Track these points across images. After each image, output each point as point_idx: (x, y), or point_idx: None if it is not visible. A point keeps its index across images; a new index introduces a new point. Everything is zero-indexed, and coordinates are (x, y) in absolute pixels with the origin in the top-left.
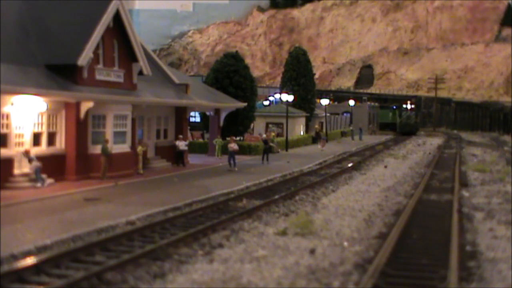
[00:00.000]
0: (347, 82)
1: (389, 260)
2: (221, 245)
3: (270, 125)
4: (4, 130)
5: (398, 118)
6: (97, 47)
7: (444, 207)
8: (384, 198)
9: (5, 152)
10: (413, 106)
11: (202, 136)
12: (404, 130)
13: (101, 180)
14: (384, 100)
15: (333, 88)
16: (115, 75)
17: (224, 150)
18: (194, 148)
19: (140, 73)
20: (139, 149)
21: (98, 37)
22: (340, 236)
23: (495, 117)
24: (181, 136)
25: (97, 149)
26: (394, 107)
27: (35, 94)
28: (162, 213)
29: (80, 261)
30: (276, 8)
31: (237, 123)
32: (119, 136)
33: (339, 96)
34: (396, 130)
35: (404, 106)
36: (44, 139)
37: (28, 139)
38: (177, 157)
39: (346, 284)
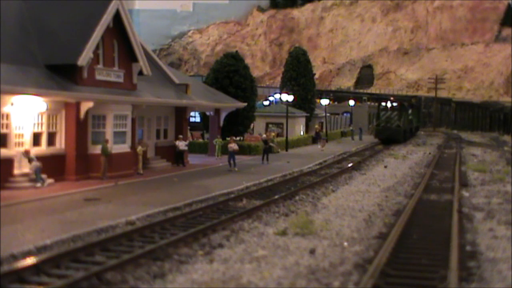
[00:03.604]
0: (347, 82)
1: (389, 260)
2: (221, 245)
3: (270, 125)
4: (4, 130)
5: (375, 120)
6: (97, 47)
7: (444, 207)
8: (384, 198)
9: (5, 152)
10: (395, 104)
11: (202, 136)
12: (383, 136)
13: (101, 180)
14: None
15: (333, 88)
16: (115, 75)
17: (224, 150)
18: (194, 148)
19: (140, 73)
20: (139, 149)
21: (98, 37)
22: (340, 236)
23: (495, 117)
24: (181, 136)
25: (97, 149)
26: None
27: (35, 94)
28: (162, 213)
29: (80, 261)
30: (276, 8)
31: (237, 123)
32: (119, 136)
33: (339, 96)
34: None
35: (384, 104)
36: (44, 139)
37: (28, 139)
38: (177, 157)
39: (346, 284)
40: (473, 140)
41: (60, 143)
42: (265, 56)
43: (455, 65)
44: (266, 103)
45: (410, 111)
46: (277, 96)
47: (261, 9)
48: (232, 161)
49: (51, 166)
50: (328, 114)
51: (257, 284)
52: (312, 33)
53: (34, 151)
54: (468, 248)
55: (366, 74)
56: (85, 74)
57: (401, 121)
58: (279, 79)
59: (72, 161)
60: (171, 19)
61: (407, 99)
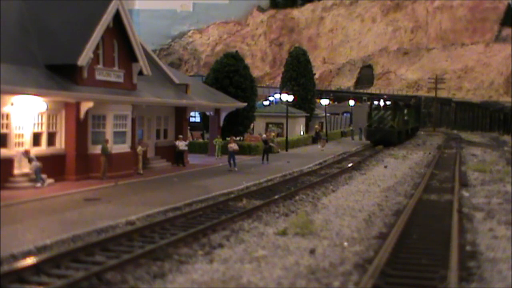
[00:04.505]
0: (347, 82)
1: (389, 260)
2: (221, 245)
3: (270, 125)
4: (4, 130)
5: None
6: (97, 47)
7: (444, 207)
8: (384, 198)
9: (5, 152)
10: (388, 102)
11: (202, 136)
12: (375, 138)
13: (101, 180)
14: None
15: (333, 88)
16: (115, 75)
17: (224, 150)
18: (194, 148)
19: (140, 73)
20: (139, 149)
21: (98, 37)
22: (340, 236)
23: (495, 117)
24: (181, 136)
25: (97, 149)
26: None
27: (35, 94)
28: (162, 213)
29: (80, 261)
30: (276, 8)
31: (237, 123)
32: (119, 136)
33: (339, 96)
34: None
35: (376, 102)
36: (44, 139)
37: (28, 139)
38: (177, 157)
39: (346, 284)
40: (473, 140)
41: (60, 143)
42: (265, 56)
43: (455, 65)
44: (266, 103)
45: (405, 111)
46: (277, 96)
47: (261, 9)
48: (232, 161)
49: (51, 166)
50: (328, 114)
51: (257, 284)
52: (312, 33)
53: (34, 151)
54: (468, 248)
55: (366, 74)
56: (85, 74)
57: (395, 121)
58: (279, 79)
59: (72, 161)
60: (171, 19)
61: (407, 99)
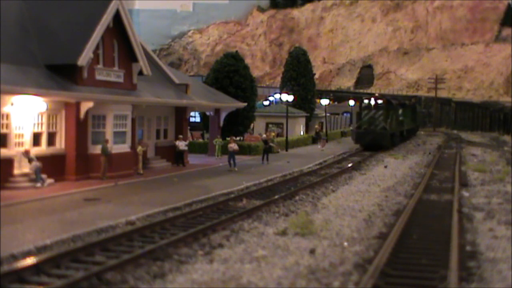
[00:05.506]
0: (347, 82)
1: (389, 260)
2: (221, 245)
3: (270, 125)
4: (4, 130)
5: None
6: (97, 47)
7: (444, 207)
8: (384, 198)
9: (5, 152)
10: (380, 101)
11: (202, 136)
12: (365, 142)
13: (101, 180)
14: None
15: (333, 88)
16: (115, 75)
17: (224, 150)
18: (194, 148)
19: (140, 73)
20: (139, 149)
21: (98, 37)
22: (340, 236)
23: (495, 117)
24: (181, 136)
25: (97, 149)
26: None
27: (35, 94)
28: (162, 213)
29: (80, 261)
30: (276, 8)
31: (237, 123)
32: (119, 136)
33: (339, 96)
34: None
35: (366, 101)
36: (44, 139)
37: (28, 139)
38: (177, 157)
39: (346, 284)
40: (473, 140)
41: (60, 143)
42: (265, 56)
43: (455, 65)
44: (266, 103)
45: (400, 111)
46: (277, 96)
47: (261, 9)
48: (232, 161)
49: (51, 166)
50: (328, 114)
51: (257, 284)
52: (312, 33)
53: (34, 151)
54: (468, 248)
55: (366, 74)
56: (85, 74)
57: (387, 122)
58: (279, 79)
59: (72, 161)
60: (171, 19)
61: (407, 99)
